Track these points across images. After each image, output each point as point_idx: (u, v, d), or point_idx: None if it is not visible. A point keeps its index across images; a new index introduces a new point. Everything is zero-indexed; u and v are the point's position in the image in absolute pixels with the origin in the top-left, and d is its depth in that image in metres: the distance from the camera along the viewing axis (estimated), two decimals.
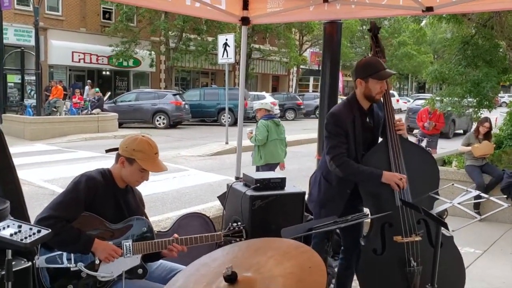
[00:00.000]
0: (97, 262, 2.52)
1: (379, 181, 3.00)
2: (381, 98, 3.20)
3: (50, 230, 2.17)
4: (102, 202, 2.60)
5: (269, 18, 4.41)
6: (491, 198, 2.51)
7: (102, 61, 26.85)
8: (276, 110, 25.98)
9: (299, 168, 10.24)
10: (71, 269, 2.49)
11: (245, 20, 4.33)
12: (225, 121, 16.75)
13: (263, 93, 29.03)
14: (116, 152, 2.71)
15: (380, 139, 3.28)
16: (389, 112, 3.18)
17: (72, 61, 25.47)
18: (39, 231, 2.13)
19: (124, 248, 2.58)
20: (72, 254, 2.50)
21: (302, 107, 28.23)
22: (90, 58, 26.34)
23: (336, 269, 3.67)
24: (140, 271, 2.63)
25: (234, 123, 21.75)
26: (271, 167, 7.16)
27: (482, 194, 2.51)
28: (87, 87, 22.42)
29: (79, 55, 25.66)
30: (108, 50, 26.08)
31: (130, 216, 2.70)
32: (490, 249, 5.58)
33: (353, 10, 3.97)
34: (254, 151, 7.23)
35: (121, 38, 25.97)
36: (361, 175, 3.06)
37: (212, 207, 4.89)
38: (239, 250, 1.70)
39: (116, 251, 2.53)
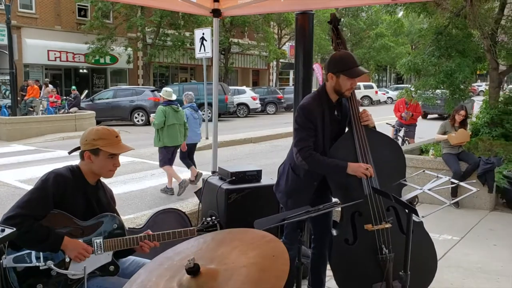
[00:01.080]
0: (67, 260, 2.47)
1: (345, 173, 3.01)
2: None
3: (14, 229, 2.11)
4: (72, 199, 2.55)
5: (241, 9, 4.38)
6: (461, 183, 2.54)
7: (79, 59, 26.50)
8: (257, 105, 26.37)
9: (279, 162, 10.22)
10: (40, 268, 2.43)
11: (216, 12, 4.29)
12: (205, 116, 16.66)
13: (244, 87, 29.01)
14: (79, 151, 2.67)
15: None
16: (353, 103, 3.19)
17: (48, 59, 25.08)
18: (2, 230, 2.07)
19: (95, 245, 2.54)
20: (41, 253, 2.45)
21: (282, 100, 28.30)
22: (66, 56, 25.97)
23: None
24: (111, 268, 2.60)
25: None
26: (170, 149, 7.99)
27: (453, 180, 2.53)
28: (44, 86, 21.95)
29: (55, 54, 25.27)
30: (84, 47, 25.75)
31: (101, 213, 2.65)
32: (467, 236, 5.66)
33: (324, 0, 3.96)
34: (155, 134, 8.09)
35: (97, 35, 25.64)
36: (327, 168, 3.08)
37: (189, 203, 4.87)
38: (204, 243, 1.67)
39: (86, 249, 2.49)
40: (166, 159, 8.00)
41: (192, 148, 8.71)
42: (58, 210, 2.50)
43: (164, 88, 8.37)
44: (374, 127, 3.23)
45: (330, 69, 3.07)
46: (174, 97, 8.06)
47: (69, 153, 2.87)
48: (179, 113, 8.02)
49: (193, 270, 1.44)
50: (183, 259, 1.49)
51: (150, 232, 2.71)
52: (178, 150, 8.31)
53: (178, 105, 8.10)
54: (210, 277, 1.44)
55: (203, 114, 18.73)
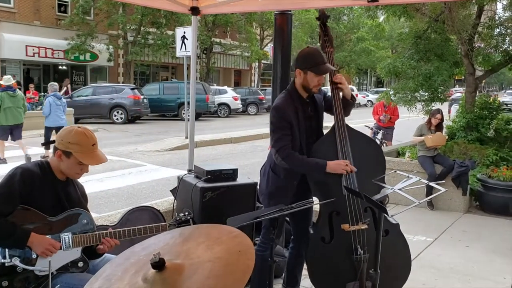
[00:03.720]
0: (34, 256, 2.43)
1: (324, 171, 3.03)
2: (331, 90, 3.23)
3: None
4: (40, 195, 2.50)
5: (219, 8, 4.37)
6: (431, 183, 2.57)
7: (58, 55, 26.05)
8: (238, 105, 26.34)
9: (259, 162, 10.24)
10: (6, 264, 2.38)
11: (194, 10, 4.27)
12: (185, 116, 16.60)
13: (225, 87, 28.96)
14: (53, 144, 2.61)
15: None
16: (337, 104, 3.20)
17: (26, 55, 24.59)
18: None
19: (63, 241, 2.50)
20: (6, 249, 2.40)
21: (264, 101, 28.33)
22: (45, 52, 25.50)
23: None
24: (80, 264, 2.56)
25: (195, 118, 21.57)
26: (5, 128, 9.98)
27: (423, 180, 2.56)
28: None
29: (33, 49, 24.79)
30: (64, 44, 25.35)
31: (71, 209, 2.61)
32: (440, 237, 5.75)
33: (302, 1, 3.98)
34: None
35: (77, 31, 25.29)
36: (306, 166, 3.09)
37: (165, 201, 4.82)
38: (171, 238, 1.67)
39: (53, 245, 2.44)
40: (1, 135, 10.01)
41: (57, 130, 10.12)
42: (25, 206, 2.45)
43: (4, 76, 10.55)
44: (352, 96, 3.25)
45: (298, 65, 3.09)
46: (11, 83, 9.98)
47: (42, 144, 2.82)
48: (15, 98, 10.02)
49: (158, 265, 1.43)
50: (150, 254, 1.48)
51: (111, 229, 2.67)
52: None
53: (17, 90, 10.21)
54: (175, 272, 1.43)
55: (183, 114, 18.73)
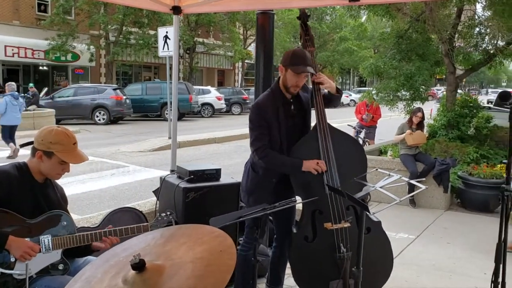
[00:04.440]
0: (12, 260, 2.38)
1: (300, 170, 3.04)
2: (312, 90, 3.24)
3: None
4: (18, 198, 2.46)
5: (201, 7, 4.35)
6: (411, 181, 2.60)
7: (38, 56, 25.69)
8: (222, 105, 26.29)
9: (243, 162, 10.19)
10: None
11: (176, 9, 4.24)
12: (168, 116, 16.52)
13: (208, 87, 28.87)
14: (32, 145, 2.57)
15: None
16: (319, 103, 3.21)
17: (5, 55, 24.21)
18: None
19: (43, 244, 2.46)
20: None
21: (248, 101, 28.27)
22: (25, 53, 25.13)
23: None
24: (61, 266, 2.52)
25: (178, 118, 21.45)
26: None
27: (404, 178, 2.59)
28: None
29: (12, 49, 24.41)
30: (44, 44, 25.00)
31: (50, 211, 2.57)
32: (422, 234, 5.81)
33: (284, 0, 3.98)
34: None
35: (58, 31, 24.95)
36: (283, 166, 3.12)
37: (147, 202, 4.78)
38: (152, 239, 1.65)
39: (32, 248, 2.40)
40: None
41: (12, 128, 11.09)
42: (2, 208, 2.40)
43: None
44: (338, 89, 3.27)
45: (282, 62, 3.12)
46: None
47: (21, 146, 2.78)
48: None
49: (138, 266, 1.42)
50: (130, 255, 1.46)
51: (101, 230, 2.64)
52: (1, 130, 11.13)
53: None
54: (156, 273, 1.42)
55: (166, 114, 18.66)
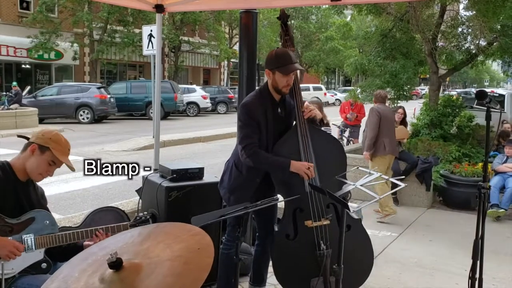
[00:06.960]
0: None
1: (288, 170, 3.05)
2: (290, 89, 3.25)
3: None
4: (0, 196, 2.45)
5: (185, 6, 4.34)
6: (391, 179, 2.63)
7: (21, 54, 25.34)
8: (208, 104, 26.20)
9: None
10: None
11: (159, 8, 4.22)
12: (153, 115, 16.40)
13: (194, 86, 28.77)
14: (26, 142, 2.60)
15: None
16: (298, 101, 3.23)
17: None
18: None
19: (26, 243, 2.45)
20: None
21: (233, 100, 28.20)
22: (7, 50, 24.78)
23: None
24: (44, 265, 2.51)
25: (163, 117, 21.33)
26: None
27: (383, 176, 2.61)
28: None
29: None
30: (27, 42, 24.65)
31: (31, 210, 2.55)
32: (405, 232, 5.87)
33: (267, 0, 3.99)
34: None
35: (41, 29, 24.64)
36: (271, 165, 3.12)
37: (130, 202, 4.77)
38: (130, 237, 1.65)
39: (17, 247, 2.39)
40: None
41: None
42: None
43: None
44: (322, 119, 3.28)
45: (267, 66, 3.12)
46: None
47: (19, 136, 2.78)
48: None
49: (115, 264, 1.41)
50: (107, 254, 1.46)
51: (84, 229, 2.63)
52: None
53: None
54: (133, 271, 1.41)
55: (151, 113, 18.57)
